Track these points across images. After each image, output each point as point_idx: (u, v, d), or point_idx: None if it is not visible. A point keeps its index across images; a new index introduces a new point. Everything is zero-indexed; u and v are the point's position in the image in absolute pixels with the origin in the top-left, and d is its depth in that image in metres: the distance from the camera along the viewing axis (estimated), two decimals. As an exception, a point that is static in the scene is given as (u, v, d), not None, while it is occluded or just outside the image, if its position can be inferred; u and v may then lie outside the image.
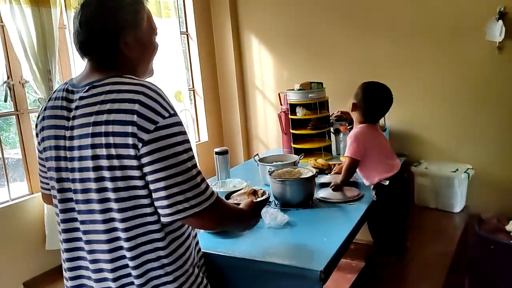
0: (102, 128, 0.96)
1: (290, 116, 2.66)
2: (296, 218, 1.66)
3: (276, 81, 3.17)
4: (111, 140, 0.96)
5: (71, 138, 1.02)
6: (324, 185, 2.01)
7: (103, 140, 0.96)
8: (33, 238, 2.07)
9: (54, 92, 1.11)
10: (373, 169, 1.83)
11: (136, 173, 0.97)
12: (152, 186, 0.98)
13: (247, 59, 3.26)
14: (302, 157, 2.25)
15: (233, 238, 1.44)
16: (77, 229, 1.07)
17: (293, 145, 2.68)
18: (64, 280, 1.16)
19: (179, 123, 1.01)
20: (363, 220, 1.75)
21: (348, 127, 2.53)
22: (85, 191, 1.02)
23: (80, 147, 1.00)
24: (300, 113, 2.61)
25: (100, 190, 1.00)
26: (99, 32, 1.02)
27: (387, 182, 1.79)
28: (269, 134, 3.29)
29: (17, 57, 1.97)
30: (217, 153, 2.16)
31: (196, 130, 3.26)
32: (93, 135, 0.97)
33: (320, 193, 1.89)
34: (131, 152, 0.95)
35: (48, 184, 1.15)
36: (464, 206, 2.50)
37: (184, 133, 1.02)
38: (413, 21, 2.60)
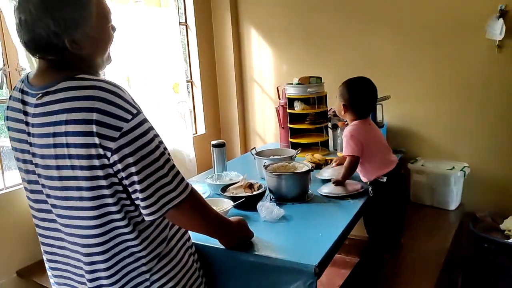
0: (63, 140, 0.94)
1: (288, 110, 2.65)
2: (292, 212, 1.66)
3: (275, 75, 3.15)
4: (73, 151, 0.94)
5: (32, 145, 1.01)
6: (326, 180, 2.01)
7: (65, 151, 0.95)
8: (27, 226, 2.05)
9: (13, 90, 1.08)
10: (371, 165, 1.83)
11: (104, 182, 0.97)
12: (130, 189, 0.99)
13: (246, 52, 3.24)
14: (299, 151, 2.25)
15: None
16: (56, 230, 1.09)
17: (290, 140, 2.68)
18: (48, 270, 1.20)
19: (144, 121, 0.97)
20: (359, 216, 1.75)
21: (346, 123, 2.52)
22: (58, 198, 1.02)
23: (43, 156, 0.99)
24: (298, 108, 2.60)
25: (68, 198, 1.00)
26: (41, 34, 0.92)
27: (384, 179, 1.80)
28: (267, 128, 3.28)
29: (14, 44, 1.94)
30: (214, 145, 2.16)
31: (193, 122, 3.25)
32: (55, 145, 0.96)
33: (324, 189, 1.88)
34: (97, 162, 0.94)
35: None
36: (460, 204, 2.51)
37: (151, 129, 0.99)
38: (414, 18, 2.59)
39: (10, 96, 1.09)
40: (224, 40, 3.22)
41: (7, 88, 2.04)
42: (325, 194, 1.83)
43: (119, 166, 0.95)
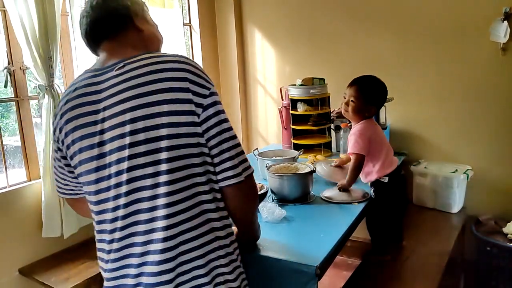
0: (156, 97, 0.94)
1: (291, 112, 2.65)
2: (293, 213, 1.66)
3: (278, 76, 3.16)
4: (165, 108, 0.94)
5: (104, 119, 0.98)
6: (328, 183, 2.01)
7: (156, 109, 0.94)
8: (30, 225, 2.06)
9: (67, 94, 1.04)
10: (375, 165, 1.81)
11: (192, 140, 0.97)
12: (215, 150, 1.00)
13: (250, 52, 3.24)
14: (301, 152, 2.25)
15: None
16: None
17: (293, 141, 2.67)
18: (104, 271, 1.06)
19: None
20: (361, 218, 1.75)
21: (349, 124, 2.52)
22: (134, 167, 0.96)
23: (123, 123, 0.95)
24: (301, 109, 2.60)
25: (154, 162, 0.95)
26: (112, 12, 1.06)
27: (386, 179, 1.79)
28: (269, 129, 3.28)
29: (18, 43, 1.95)
30: (216, 146, 2.15)
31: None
32: (144, 105, 0.94)
33: (325, 193, 1.87)
34: (190, 119, 0.96)
35: (74, 188, 1.15)
36: (462, 207, 2.50)
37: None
38: (418, 19, 2.59)
39: (66, 101, 1.03)
40: (227, 40, 3.22)
41: (11, 86, 2.05)
42: (326, 199, 1.82)
43: (207, 124, 0.98)
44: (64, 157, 1.08)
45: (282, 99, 2.84)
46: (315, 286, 1.26)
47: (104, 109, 0.98)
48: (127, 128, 0.95)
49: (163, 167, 0.95)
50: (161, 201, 0.95)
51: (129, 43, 1.07)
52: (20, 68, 2.06)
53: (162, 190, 0.95)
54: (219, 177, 1.03)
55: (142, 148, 0.95)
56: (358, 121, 1.87)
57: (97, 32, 1.07)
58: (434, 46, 2.56)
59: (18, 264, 2.03)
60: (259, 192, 1.72)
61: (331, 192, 1.86)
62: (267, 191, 1.80)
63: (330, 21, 2.87)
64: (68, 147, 1.04)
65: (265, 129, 3.31)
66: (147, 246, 0.96)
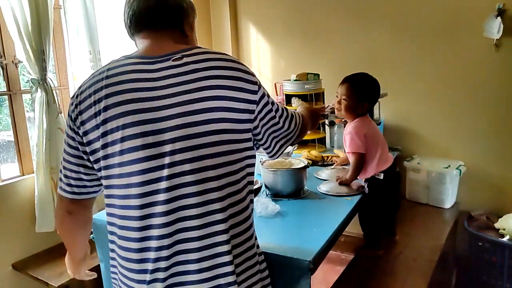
0: (215, 92, 0.96)
1: (285, 107, 2.64)
2: (287, 208, 1.67)
3: (272, 71, 3.15)
4: (222, 104, 0.97)
5: (160, 108, 0.95)
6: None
7: (211, 104, 0.96)
8: (23, 219, 2.06)
9: (104, 78, 0.99)
10: (371, 162, 1.82)
11: (246, 136, 1.03)
12: (269, 131, 1.12)
13: (244, 48, 3.23)
14: (295, 148, 2.25)
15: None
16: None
17: (287, 136, 2.67)
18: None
19: None
20: (354, 213, 1.76)
21: (343, 120, 2.52)
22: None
23: (184, 114, 0.94)
24: (295, 104, 2.60)
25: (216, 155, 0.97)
26: (169, 5, 1.06)
27: (381, 176, 1.79)
28: (264, 124, 3.28)
29: (11, 36, 1.94)
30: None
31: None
32: (204, 99, 0.95)
33: (323, 187, 1.88)
34: (245, 116, 1.01)
35: (88, 184, 1.07)
36: (455, 202, 2.52)
37: None
38: (412, 15, 2.59)
39: (92, 83, 1.00)
40: (222, 36, 3.21)
41: (4, 80, 2.04)
42: (324, 193, 1.83)
43: (262, 113, 1.07)
44: (83, 144, 1.01)
45: (277, 95, 2.84)
46: (308, 280, 1.26)
47: (162, 97, 0.95)
48: (188, 119, 0.94)
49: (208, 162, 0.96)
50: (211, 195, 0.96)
51: (172, 39, 1.06)
52: (13, 62, 2.05)
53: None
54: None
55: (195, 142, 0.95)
56: (352, 119, 1.87)
57: (148, 18, 1.06)
58: (428, 42, 2.57)
59: (12, 259, 2.03)
60: (255, 187, 1.73)
61: (328, 186, 1.87)
62: (261, 186, 1.80)
63: (326, 16, 2.87)
64: (105, 134, 0.96)
65: (259, 125, 3.30)
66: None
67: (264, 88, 1.08)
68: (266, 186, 1.82)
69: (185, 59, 0.98)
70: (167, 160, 0.94)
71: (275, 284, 1.31)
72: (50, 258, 2.05)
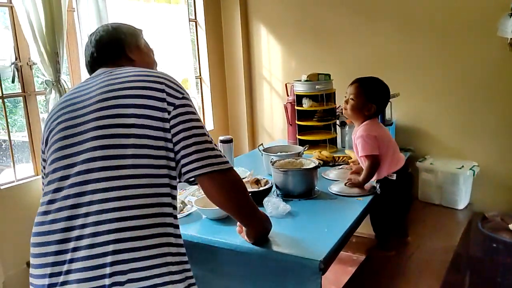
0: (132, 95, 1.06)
1: (296, 107, 2.64)
2: (298, 208, 1.66)
3: (283, 72, 3.15)
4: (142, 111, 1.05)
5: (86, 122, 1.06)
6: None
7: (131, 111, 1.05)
8: (37, 219, 2.09)
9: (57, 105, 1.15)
10: (383, 163, 1.81)
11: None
12: (181, 144, 1.05)
13: (255, 48, 3.24)
14: (306, 148, 2.24)
15: (234, 226, 1.44)
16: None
17: (298, 137, 2.67)
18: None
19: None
20: (366, 213, 1.75)
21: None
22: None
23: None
24: (306, 105, 2.59)
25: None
26: (107, 45, 1.24)
27: (394, 176, 1.78)
28: (275, 125, 3.28)
29: (25, 38, 1.97)
30: (221, 141, 2.16)
31: (202, 118, 3.26)
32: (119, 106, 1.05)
33: (334, 188, 1.87)
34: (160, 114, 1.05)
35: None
36: (468, 203, 2.49)
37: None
38: (424, 15, 2.57)
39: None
40: (233, 36, 3.22)
41: (19, 82, 2.07)
42: (336, 193, 1.82)
43: (176, 120, 1.06)
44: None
45: (288, 95, 2.83)
46: (319, 280, 1.26)
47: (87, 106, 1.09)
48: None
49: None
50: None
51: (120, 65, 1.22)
52: (27, 64, 2.08)
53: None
54: (187, 170, 1.06)
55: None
56: (359, 121, 1.87)
57: (96, 61, 1.24)
58: (440, 42, 2.54)
59: (26, 257, 2.03)
60: (265, 187, 1.73)
61: (340, 187, 1.87)
62: (272, 186, 1.80)
63: (336, 17, 2.86)
64: None
65: (270, 125, 3.31)
66: None
67: (189, 101, 1.13)
68: (276, 187, 1.82)
69: (112, 74, 1.12)
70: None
71: (286, 283, 1.31)
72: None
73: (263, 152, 2.18)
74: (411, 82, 2.66)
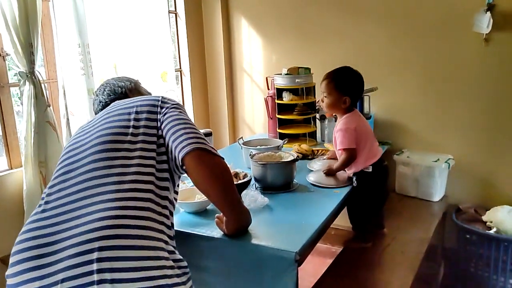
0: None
1: (276, 101, 2.65)
2: (276, 201, 1.68)
3: (264, 65, 3.15)
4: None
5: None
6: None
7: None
8: (11, 213, 2.04)
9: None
10: (360, 156, 1.83)
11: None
12: (170, 131, 1.17)
13: (236, 41, 3.23)
14: (286, 142, 2.26)
15: (211, 220, 1.44)
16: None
17: (278, 130, 2.68)
18: None
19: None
20: (343, 205, 1.78)
21: (334, 114, 2.53)
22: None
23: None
24: (286, 98, 2.60)
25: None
26: (114, 91, 1.55)
27: (370, 169, 1.81)
28: (256, 118, 3.28)
29: (-2, 29, 1.92)
30: (200, 134, 2.15)
31: (182, 111, 3.23)
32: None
33: (311, 177, 1.89)
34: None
35: None
36: (443, 195, 2.55)
37: None
38: (402, 10, 2.60)
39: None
40: (214, 29, 3.20)
41: (-8, 73, 2.02)
42: (313, 183, 1.85)
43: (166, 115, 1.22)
44: None
45: (268, 88, 2.84)
46: (295, 272, 1.27)
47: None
48: None
49: None
50: None
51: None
52: (0, 55, 2.02)
53: None
54: (178, 152, 1.14)
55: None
56: (341, 114, 1.89)
57: (106, 104, 1.50)
58: (418, 37, 2.58)
59: (0, 253, 2.02)
60: (243, 180, 1.73)
61: (317, 177, 1.89)
62: (251, 179, 1.81)
63: (318, 11, 2.86)
64: None
65: (251, 119, 3.31)
66: None
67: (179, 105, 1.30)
68: (255, 180, 1.83)
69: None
70: None
71: (263, 275, 1.32)
72: (40, 252, 2.04)
73: (243, 146, 2.19)
74: (390, 76, 2.70)
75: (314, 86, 2.64)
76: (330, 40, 2.86)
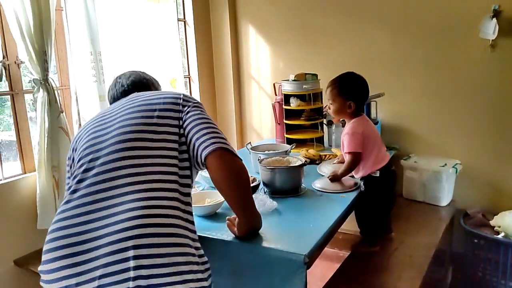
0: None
1: (284, 107, 2.68)
2: (285, 205, 1.70)
3: (271, 72, 3.19)
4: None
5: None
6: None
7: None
8: (24, 216, 2.09)
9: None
10: (368, 161, 1.85)
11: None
12: (194, 129, 1.21)
13: (244, 48, 3.27)
14: (293, 146, 2.29)
15: (222, 223, 1.47)
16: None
17: (286, 135, 2.71)
18: None
19: None
20: (350, 210, 1.79)
21: (341, 120, 2.56)
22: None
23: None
24: (294, 104, 2.63)
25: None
26: (141, 80, 1.58)
27: (378, 173, 1.83)
28: (263, 124, 3.31)
29: (13, 37, 1.97)
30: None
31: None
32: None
33: (317, 183, 1.91)
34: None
35: None
36: (451, 200, 2.55)
37: None
38: (408, 16, 2.63)
39: None
40: (222, 36, 3.25)
41: (6, 80, 2.07)
42: (318, 189, 1.87)
43: (189, 113, 1.26)
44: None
45: (276, 94, 2.87)
46: (304, 274, 1.29)
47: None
48: None
49: None
50: None
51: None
52: (15, 62, 2.08)
53: None
54: (201, 151, 1.18)
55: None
56: (349, 119, 1.92)
57: (130, 91, 1.51)
58: (424, 43, 2.60)
59: (13, 255, 2.06)
60: (252, 184, 1.76)
61: (323, 183, 1.91)
62: (259, 183, 1.83)
63: (323, 18, 2.90)
64: None
65: (259, 124, 3.34)
66: None
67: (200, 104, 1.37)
68: (264, 184, 1.85)
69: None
70: None
71: (273, 277, 1.35)
72: (52, 255, 2.08)
73: (251, 151, 2.22)
74: (396, 82, 2.72)
75: (321, 92, 2.67)
76: (336, 47, 2.89)
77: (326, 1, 2.87)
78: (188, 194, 1.19)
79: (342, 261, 1.96)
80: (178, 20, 2.99)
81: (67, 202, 1.13)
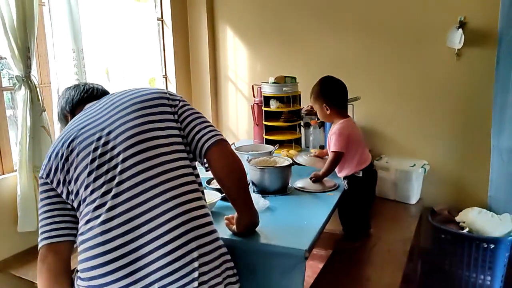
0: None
1: (263, 108, 2.74)
2: (276, 203, 1.76)
3: (249, 73, 3.24)
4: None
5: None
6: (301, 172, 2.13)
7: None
8: (4, 219, 2.01)
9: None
10: (351, 161, 1.96)
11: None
12: (192, 124, 1.26)
13: (221, 50, 3.30)
14: (277, 147, 2.35)
15: (221, 222, 1.51)
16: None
17: (265, 136, 2.77)
18: None
19: None
20: (335, 208, 1.88)
21: (318, 122, 2.66)
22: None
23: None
24: (274, 106, 2.70)
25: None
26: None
27: (361, 174, 1.94)
28: (240, 125, 3.36)
29: (-6, 32, 1.90)
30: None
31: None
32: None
33: (298, 183, 1.99)
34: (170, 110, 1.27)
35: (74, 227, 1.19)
36: (419, 198, 2.72)
37: None
38: (380, 25, 2.77)
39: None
40: (199, 37, 3.26)
41: (-15, 77, 1.99)
42: (299, 189, 1.95)
43: (182, 110, 1.28)
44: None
45: (254, 96, 2.92)
46: (303, 268, 1.36)
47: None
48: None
49: None
50: None
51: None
52: (-5, 58, 2.01)
53: None
54: (202, 143, 1.24)
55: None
56: (337, 120, 2.01)
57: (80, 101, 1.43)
58: (396, 50, 2.76)
59: (-12, 259, 1.98)
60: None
61: (304, 183, 1.99)
62: (250, 183, 1.88)
63: (300, 22, 2.99)
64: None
65: (235, 125, 3.38)
66: None
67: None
68: (253, 183, 1.91)
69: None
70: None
71: (271, 272, 1.40)
72: (34, 257, 1.98)
73: (236, 151, 2.25)
74: (370, 86, 2.86)
75: (299, 95, 2.75)
76: (313, 51, 2.99)
77: (303, 6, 2.97)
78: (201, 184, 1.25)
79: (324, 261, 2.04)
80: (157, 19, 2.98)
81: (96, 217, 1.09)
